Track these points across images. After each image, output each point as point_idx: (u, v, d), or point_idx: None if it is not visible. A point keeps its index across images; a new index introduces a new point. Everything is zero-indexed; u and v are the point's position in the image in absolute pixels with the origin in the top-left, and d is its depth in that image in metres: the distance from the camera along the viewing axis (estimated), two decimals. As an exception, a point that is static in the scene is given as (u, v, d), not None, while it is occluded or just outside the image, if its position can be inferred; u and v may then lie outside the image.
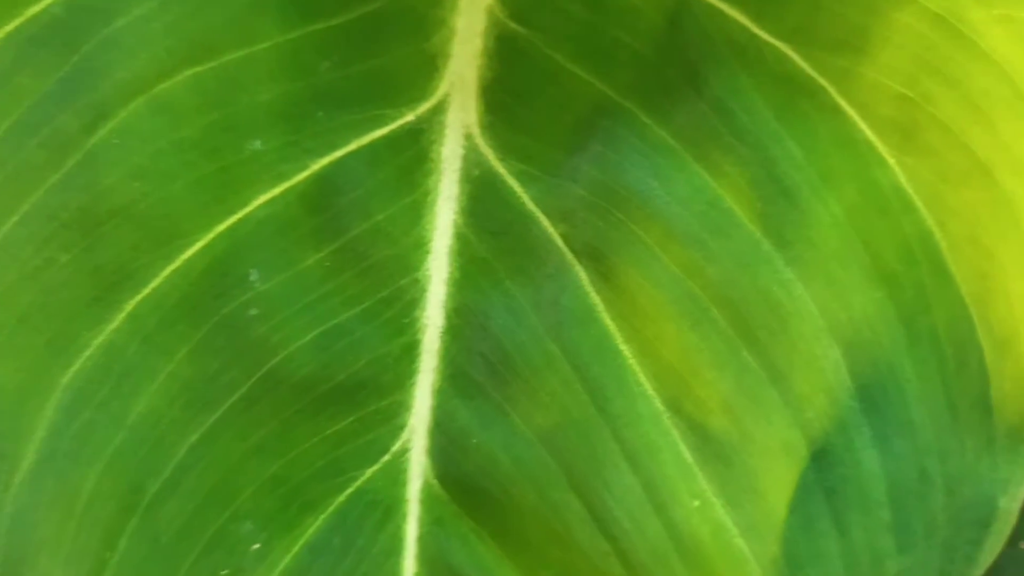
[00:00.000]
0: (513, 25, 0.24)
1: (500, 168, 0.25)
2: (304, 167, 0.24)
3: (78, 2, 0.22)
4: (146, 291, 0.24)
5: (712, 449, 0.23)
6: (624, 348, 0.24)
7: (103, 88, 0.22)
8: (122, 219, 0.23)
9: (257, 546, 0.25)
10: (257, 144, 0.24)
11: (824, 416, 0.23)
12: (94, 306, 0.23)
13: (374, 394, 0.25)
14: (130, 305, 0.24)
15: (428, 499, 0.26)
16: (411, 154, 0.25)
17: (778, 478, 0.23)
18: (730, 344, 0.23)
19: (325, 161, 0.24)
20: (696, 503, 0.23)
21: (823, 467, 0.23)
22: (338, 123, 0.24)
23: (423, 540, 0.26)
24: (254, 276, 0.24)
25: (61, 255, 0.23)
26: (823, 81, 0.22)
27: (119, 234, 0.23)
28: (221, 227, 0.24)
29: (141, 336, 0.24)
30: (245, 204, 0.24)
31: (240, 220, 0.24)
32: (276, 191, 0.24)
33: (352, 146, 0.24)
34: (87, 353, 0.23)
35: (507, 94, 0.24)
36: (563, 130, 0.24)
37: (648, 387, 0.24)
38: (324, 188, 0.24)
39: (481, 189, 0.25)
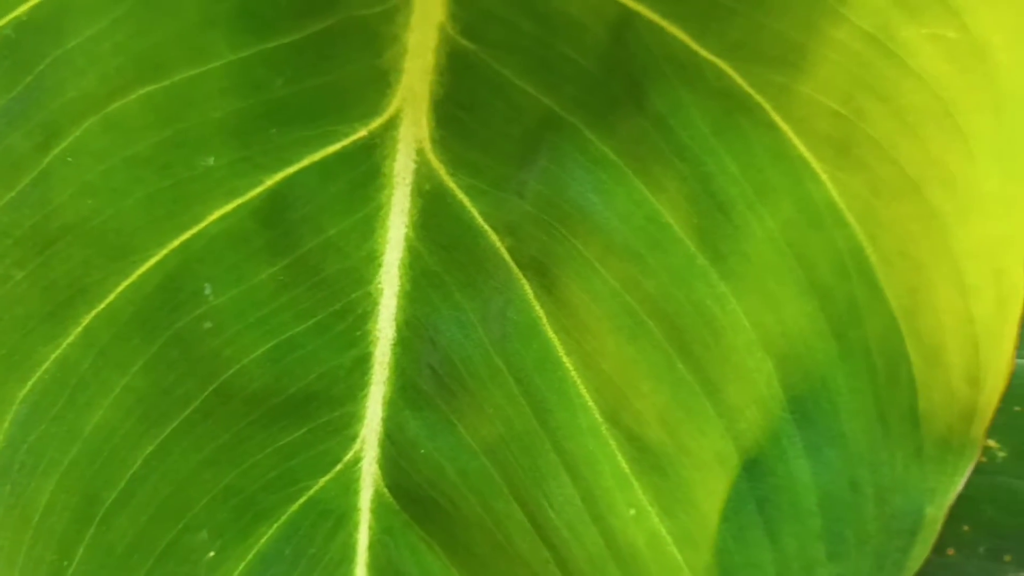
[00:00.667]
0: (464, 41, 0.24)
1: (451, 182, 0.25)
2: (257, 183, 0.24)
3: (29, 24, 0.22)
4: (101, 306, 0.24)
5: (648, 460, 0.24)
6: (566, 361, 0.24)
7: (55, 108, 0.23)
8: (75, 236, 0.23)
9: (211, 555, 0.25)
10: (210, 160, 0.24)
11: (756, 427, 0.23)
12: (49, 321, 0.24)
13: (326, 406, 0.26)
14: (85, 320, 0.24)
15: (379, 508, 0.26)
16: (364, 169, 0.25)
17: (711, 488, 0.23)
18: (666, 357, 0.24)
19: (278, 177, 0.24)
20: (632, 512, 0.24)
21: (755, 477, 0.23)
22: (291, 139, 0.24)
23: (373, 548, 0.26)
24: (207, 291, 0.25)
25: (15, 272, 0.23)
26: (760, 98, 0.22)
27: (72, 251, 0.23)
28: (174, 243, 0.24)
29: (96, 350, 0.24)
30: (198, 220, 0.24)
31: (193, 235, 0.24)
32: (229, 207, 0.24)
33: (305, 162, 0.25)
34: (43, 367, 0.24)
35: (458, 109, 0.25)
36: (512, 144, 0.25)
37: (588, 399, 0.24)
38: (277, 203, 0.25)
39: (432, 203, 0.25)
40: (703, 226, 0.23)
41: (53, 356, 0.24)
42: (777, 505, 0.23)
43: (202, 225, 0.24)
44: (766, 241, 0.23)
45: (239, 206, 0.24)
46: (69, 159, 0.23)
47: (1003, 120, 0.20)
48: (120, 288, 0.24)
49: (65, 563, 0.24)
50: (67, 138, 0.23)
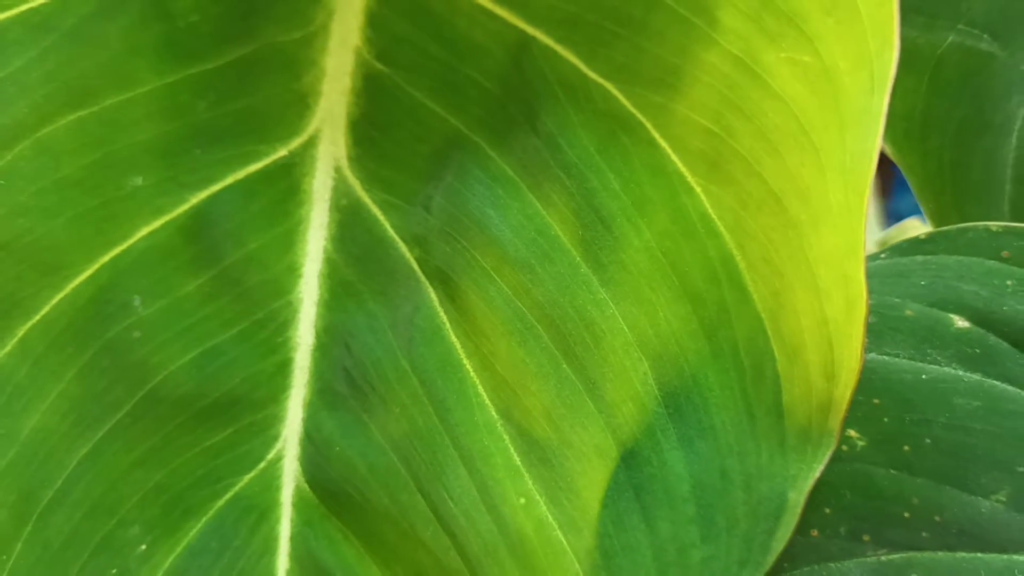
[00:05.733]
0: (379, 65, 0.26)
1: (366, 198, 0.27)
2: (183, 201, 0.26)
3: None
4: (35, 318, 0.25)
5: (536, 453, 0.26)
6: (466, 363, 0.26)
7: None
8: (9, 253, 0.25)
9: (142, 548, 0.27)
10: (138, 180, 0.25)
11: (633, 422, 0.25)
12: None
13: (249, 408, 0.27)
14: (20, 331, 0.25)
15: (299, 503, 0.28)
16: (284, 186, 0.27)
17: (592, 478, 0.25)
18: (552, 359, 0.25)
19: (203, 195, 0.26)
20: (522, 501, 0.26)
21: (633, 467, 0.25)
22: (215, 159, 0.26)
23: (295, 540, 0.28)
24: (136, 302, 0.26)
25: None
26: (642, 117, 0.24)
27: (6, 267, 0.25)
28: (104, 258, 0.26)
29: (32, 359, 0.26)
30: (127, 237, 0.26)
31: (122, 251, 0.26)
32: (156, 224, 0.26)
33: (228, 180, 0.26)
34: None
35: (373, 129, 0.26)
36: (421, 162, 0.26)
37: (485, 398, 0.26)
38: (202, 220, 0.26)
39: (349, 217, 0.27)
40: (587, 238, 0.25)
41: None
42: (653, 493, 0.25)
43: (130, 241, 0.26)
44: (643, 251, 0.24)
45: (166, 223, 0.26)
46: (1, 182, 0.24)
47: (846, 137, 0.22)
48: (53, 301, 0.25)
49: (4, 557, 0.26)
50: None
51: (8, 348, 0.25)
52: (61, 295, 0.26)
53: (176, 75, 0.25)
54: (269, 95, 0.26)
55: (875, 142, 0.21)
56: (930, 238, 0.26)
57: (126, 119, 0.25)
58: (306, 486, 0.28)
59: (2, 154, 0.24)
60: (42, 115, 0.24)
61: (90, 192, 0.25)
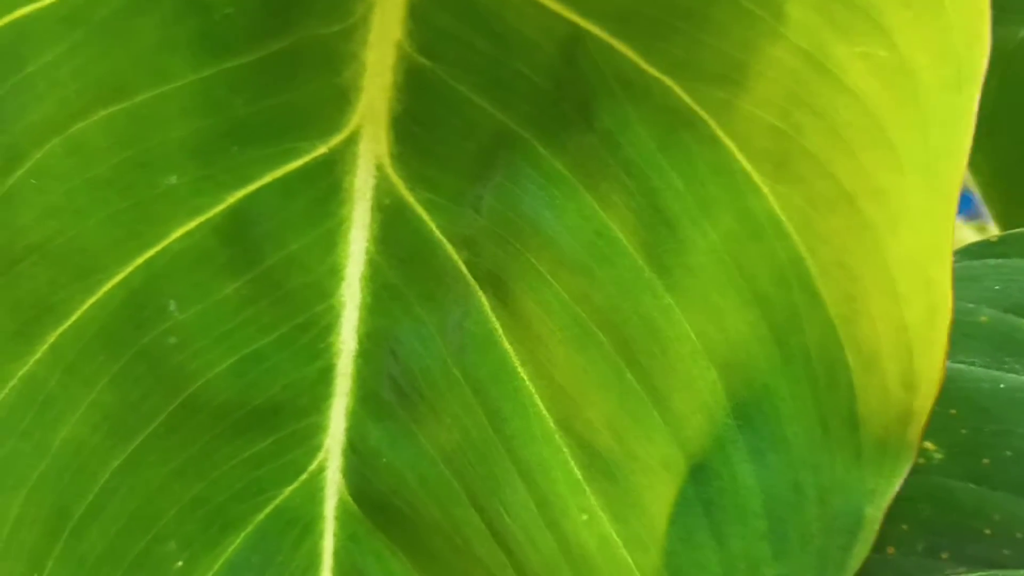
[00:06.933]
0: (421, 59, 0.25)
1: (409, 197, 0.26)
2: (219, 200, 0.25)
3: None
4: (66, 324, 0.25)
5: (599, 466, 0.25)
6: (521, 371, 0.25)
7: (17, 131, 0.23)
8: (40, 256, 0.24)
9: (180, 564, 0.26)
10: (172, 179, 0.25)
11: (702, 434, 0.24)
12: (15, 339, 0.24)
13: (291, 417, 0.26)
14: (51, 337, 0.25)
15: (343, 516, 0.27)
16: (324, 185, 0.26)
17: (659, 493, 0.24)
18: (614, 367, 0.24)
19: (240, 194, 0.25)
20: (584, 517, 0.25)
21: (701, 481, 0.24)
22: (252, 157, 0.25)
23: (339, 555, 0.27)
24: (172, 307, 0.25)
25: None
26: (704, 114, 0.23)
27: (37, 270, 0.24)
28: (138, 260, 0.25)
29: (63, 367, 0.25)
30: (161, 238, 0.25)
31: (157, 253, 0.25)
32: (192, 224, 0.25)
33: (266, 178, 0.25)
34: (10, 384, 0.24)
35: (416, 125, 0.25)
36: (468, 160, 0.25)
37: (542, 408, 0.25)
38: (239, 220, 0.25)
39: (392, 217, 0.26)
40: (649, 240, 0.24)
41: (20, 373, 0.24)
42: (723, 508, 0.24)
43: (165, 243, 0.25)
44: (709, 253, 0.23)
45: (202, 223, 0.25)
46: (32, 181, 0.24)
47: (929, 137, 0.21)
48: (85, 306, 0.25)
49: (36, 575, 0.25)
50: (30, 161, 0.24)
51: (38, 355, 0.25)
52: (93, 299, 0.25)
53: (211, 70, 0.24)
54: (308, 90, 0.25)
55: (963, 142, 0.20)
56: (1002, 240, 0.25)
57: (160, 116, 0.24)
58: (350, 499, 0.27)
59: (32, 152, 0.24)
60: (72, 112, 0.24)
61: (123, 192, 0.24)
